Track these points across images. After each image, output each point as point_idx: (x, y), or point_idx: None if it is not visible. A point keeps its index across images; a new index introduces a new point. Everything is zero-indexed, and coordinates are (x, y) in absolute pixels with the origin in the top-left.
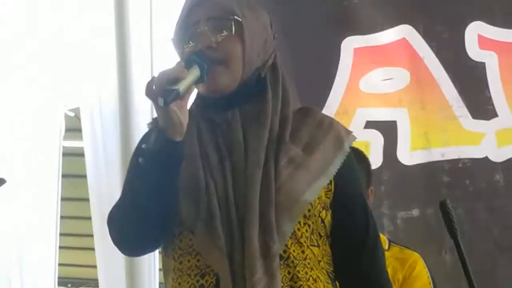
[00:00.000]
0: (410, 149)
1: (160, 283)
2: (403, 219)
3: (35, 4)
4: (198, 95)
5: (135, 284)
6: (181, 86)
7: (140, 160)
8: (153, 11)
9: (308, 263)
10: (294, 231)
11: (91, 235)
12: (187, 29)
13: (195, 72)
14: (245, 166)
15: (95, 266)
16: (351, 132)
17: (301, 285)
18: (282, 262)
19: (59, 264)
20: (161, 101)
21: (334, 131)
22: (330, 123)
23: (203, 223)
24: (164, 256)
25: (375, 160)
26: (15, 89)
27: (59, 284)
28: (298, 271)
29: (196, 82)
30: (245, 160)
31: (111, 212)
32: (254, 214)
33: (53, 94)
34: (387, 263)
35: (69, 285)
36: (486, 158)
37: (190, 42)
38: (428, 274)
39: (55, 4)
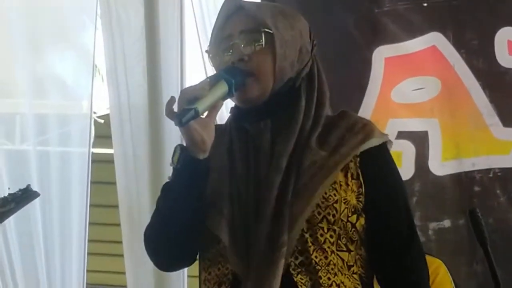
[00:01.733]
0: (442, 159)
1: None
2: (434, 230)
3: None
4: (235, 106)
5: None
6: (200, 105)
7: (168, 178)
8: (184, 16)
9: (332, 268)
10: (317, 237)
11: (120, 242)
12: (221, 42)
13: (221, 89)
14: (268, 172)
15: (124, 273)
16: (386, 134)
17: None
18: (303, 269)
19: (88, 271)
20: (177, 121)
21: (366, 131)
22: (364, 124)
23: (228, 233)
24: (200, 268)
25: (407, 170)
26: (45, 95)
27: None
28: (320, 277)
29: (224, 98)
30: (268, 166)
31: (145, 231)
32: (264, 219)
33: (83, 100)
34: None
35: None
36: None
37: (226, 53)
38: (451, 280)
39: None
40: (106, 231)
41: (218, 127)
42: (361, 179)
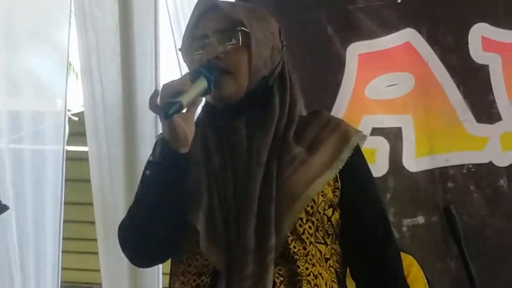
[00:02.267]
0: (415, 155)
1: (164, 287)
2: (408, 226)
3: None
4: (206, 103)
5: None
6: (184, 99)
7: (147, 172)
8: (158, 14)
9: (310, 259)
10: (296, 228)
11: (95, 239)
12: (194, 40)
13: (201, 84)
14: (248, 165)
15: (98, 271)
16: (360, 131)
17: (299, 280)
18: (281, 260)
19: (62, 268)
20: (162, 114)
21: (341, 129)
22: (338, 123)
23: (205, 224)
24: (174, 261)
25: (381, 167)
26: (19, 92)
27: None
28: (298, 266)
29: (203, 94)
30: (248, 160)
31: (120, 226)
32: (250, 211)
33: (57, 98)
34: None
35: None
36: (490, 163)
37: (199, 52)
38: (424, 277)
39: None
40: (80, 229)
41: None
42: (337, 174)
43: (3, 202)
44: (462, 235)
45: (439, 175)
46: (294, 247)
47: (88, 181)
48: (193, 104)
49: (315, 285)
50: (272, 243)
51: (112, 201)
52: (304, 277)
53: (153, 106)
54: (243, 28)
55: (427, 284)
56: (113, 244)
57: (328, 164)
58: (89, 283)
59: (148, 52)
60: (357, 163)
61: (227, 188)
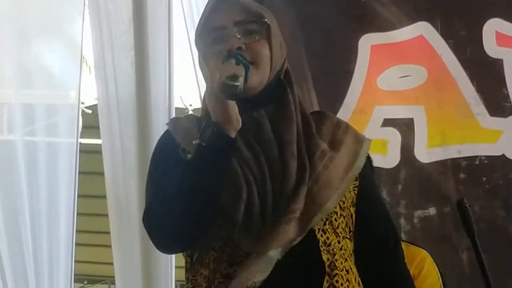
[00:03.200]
0: (427, 146)
1: (176, 281)
2: (420, 218)
3: None
4: None
5: (152, 282)
6: (240, 83)
7: (188, 156)
8: (172, 7)
9: (343, 253)
10: (332, 221)
11: (108, 232)
12: (212, 31)
13: (243, 73)
14: (280, 158)
15: (111, 264)
16: (368, 138)
17: (336, 274)
18: (325, 247)
19: (76, 261)
20: (227, 94)
21: (352, 132)
22: (347, 126)
23: (244, 215)
24: (203, 248)
25: (393, 158)
26: (32, 85)
27: (75, 281)
28: (336, 260)
29: (241, 83)
30: (279, 153)
31: (149, 211)
32: (283, 203)
33: (71, 91)
34: None
35: (85, 282)
36: (503, 156)
37: (218, 44)
38: (437, 270)
39: None
40: (93, 221)
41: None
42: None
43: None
44: (475, 228)
45: (451, 166)
46: (332, 240)
47: (102, 174)
48: None
49: (347, 280)
50: (299, 206)
51: (125, 194)
52: (339, 271)
53: (218, 85)
54: (265, 20)
55: (440, 278)
56: (126, 236)
57: (351, 163)
58: (102, 276)
59: (161, 46)
60: (368, 166)
61: (264, 181)
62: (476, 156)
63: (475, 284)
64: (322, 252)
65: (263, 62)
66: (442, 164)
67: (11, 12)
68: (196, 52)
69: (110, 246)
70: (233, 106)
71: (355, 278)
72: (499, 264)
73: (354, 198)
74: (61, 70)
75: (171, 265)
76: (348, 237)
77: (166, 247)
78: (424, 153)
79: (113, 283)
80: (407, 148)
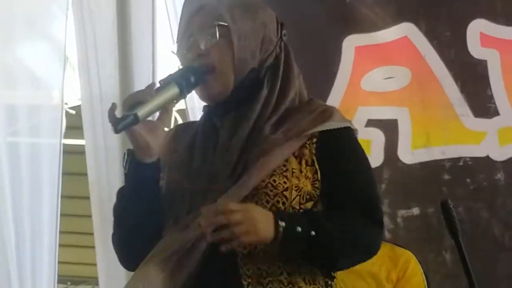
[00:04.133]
0: (411, 147)
1: None
2: (403, 217)
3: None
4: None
5: None
6: (141, 110)
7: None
8: (156, 7)
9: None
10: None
11: (91, 233)
12: (183, 41)
13: (170, 91)
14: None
15: (95, 264)
16: (348, 120)
17: (270, 281)
18: (251, 259)
19: (59, 262)
20: (113, 128)
21: (324, 115)
22: (325, 109)
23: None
24: None
25: (376, 158)
26: (15, 85)
27: (59, 282)
28: (269, 267)
29: (177, 100)
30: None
31: (112, 237)
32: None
33: (54, 91)
34: (379, 261)
35: (69, 283)
36: (487, 157)
37: (187, 52)
38: (422, 271)
39: None
40: (77, 222)
41: (191, 124)
42: (316, 165)
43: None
44: (459, 229)
45: (435, 167)
46: (265, 245)
47: (85, 174)
48: (165, 111)
49: (289, 282)
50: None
51: (109, 195)
52: (275, 278)
53: (109, 117)
54: (220, 22)
55: (425, 279)
56: (109, 238)
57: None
58: (86, 277)
59: (145, 45)
60: (340, 148)
61: (200, 195)
62: (460, 158)
63: (458, 283)
64: (245, 265)
65: (224, 65)
66: (426, 165)
67: None
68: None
69: (93, 247)
70: (139, 133)
71: (304, 278)
72: (483, 264)
73: (315, 193)
74: (45, 70)
75: None
76: None
77: (128, 269)
78: (408, 154)
79: (97, 284)
80: (390, 149)
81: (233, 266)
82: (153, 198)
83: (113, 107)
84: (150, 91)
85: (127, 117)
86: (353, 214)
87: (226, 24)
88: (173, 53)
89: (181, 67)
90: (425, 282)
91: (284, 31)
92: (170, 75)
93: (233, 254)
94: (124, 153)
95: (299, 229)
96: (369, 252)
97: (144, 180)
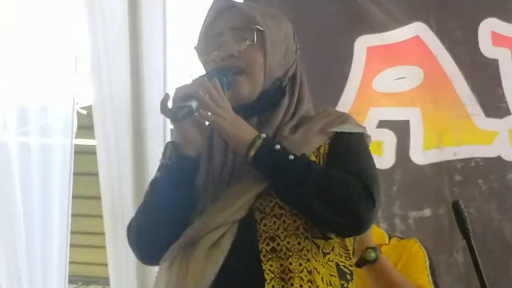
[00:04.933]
0: (423, 148)
1: None
2: (415, 219)
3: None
4: None
5: (146, 282)
6: (195, 103)
7: (157, 174)
8: (167, 8)
9: (305, 254)
10: (290, 223)
11: (102, 233)
12: (210, 39)
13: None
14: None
15: (106, 265)
16: (363, 127)
17: (291, 277)
18: (274, 255)
19: (70, 262)
20: (172, 117)
21: (340, 119)
22: (341, 114)
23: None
24: None
25: (388, 159)
26: (26, 85)
27: (69, 282)
28: (291, 263)
29: None
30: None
31: (129, 226)
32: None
33: (65, 91)
34: (385, 256)
35: (80, 283)
36: (499, 157)
37: (215, 51)
38: (425, 253)
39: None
40: (88, 222)
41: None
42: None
43: None
44: (470, 230)
45: (446, 168)
46: (288, 242)
47: (96, 174)
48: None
49: (309, 280)
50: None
51: (120, 195)
52: (296, 274)
53: (163, 109)
54: (258, 26)
55: (427, 261)
56: (120, 238)
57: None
58: (97, 277)
59: (157, 47)
60: (350, 150)
61: (221, 189)
62: (472, 158)
63: (470, 284)
64: (269, 261)
65: (256, 70)
66: (437, 165)
67: (6, 12)
68: (190, 53)
69: (104, 247)
70: (188, 126)
71: (322, 278)
72: (494, 266)
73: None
74: (56, 70)
75: None
76: (321, 236)
77: (143, 261)
78: (420, 155)
79: (108, 284)
80: (402, 150)
81: (256, 261)
82: (191, 192)
83: (166, 97)
84: (199, 84)
85: (182, 108)
86: (347, 175)
87: (262, 29)
88: (195, 49)
89: (202, 64)
90: (426, 263)
91: (298, 44)
92: (211, 71)
93: (256, 250)
94: (167, 144)
95: (278, 146)
96: (346, 210)
97: (186, 173)
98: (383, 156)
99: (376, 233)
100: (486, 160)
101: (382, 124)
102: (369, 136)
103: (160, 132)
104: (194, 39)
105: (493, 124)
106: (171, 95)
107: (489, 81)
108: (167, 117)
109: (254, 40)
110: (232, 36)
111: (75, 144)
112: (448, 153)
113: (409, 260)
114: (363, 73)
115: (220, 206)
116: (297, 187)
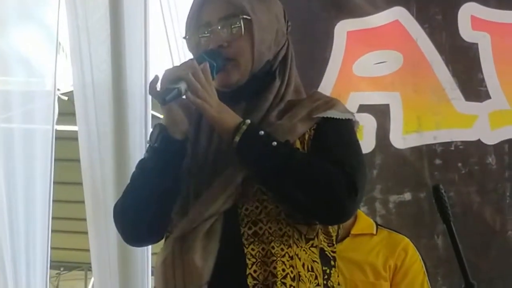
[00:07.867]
0: (403, 132)
1: (153, 267)
2: (395, 203)
3: None
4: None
5: (128, 268)
6: (183, 85)
7: (145, 154)
8: None
9: (286, 240)
10: (272, 208)
11: (84, 219)
12: (199, 28)
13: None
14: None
15: (87, 250)
16: (351, 112)
17: (274, 261)
18: (257, 239)
19: (52, 248)
20: (160, 100)
21: (327, 104)
22: (329, 99)
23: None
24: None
25: (368, 144)
26: (8, 71)
27: (51, 268)
28: (273, 247)
29: None
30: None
31: (116, 206)
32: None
33: (47, 77)
34: (376, 249)
35: (62, 269)
36: (478, 141)
37: (204, 39)
38: (420, 258)
39: None
40: (70, 208)
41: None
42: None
43: None
44: (451, 213)
45: (426, 152)
46: (270, 227)
47: (78, 160)
48: None
49: (291, 265)
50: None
51: (102, 180)
52: (279, 258)
53: (152, 90)
54: (244, 16)
55: (424, 266)
56: (102, 223)
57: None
58: (79, 263)
59: (138, 32)
60: (336, 136)
61: (205, 172)
62: (452, 142)
63: (450, 268)
64: (250, 244)
65: (244, 58)
66: (417, 149)
67: None
68: (171, 37)
69: (86, 233)
70: (176, 108)
71: (303, 264)
72: (475, 249)
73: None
74: (37, 56)
75: (147, 252)
76: (303, 221)
77: (127, 241)
78: (400, 139)
79: (90, 270)
80: (382, 134)
81: (239, 245)
82: (177, 175)
83: (155, 79)
84: (188, 67)
85: (171, 90)
86: (329, 163)
87: (249, 17)
88: (184, 38)
89: (191, 53)
90: (424, 269)
91: (289, 22)
92: (201, 55)
93: (238, 233)
94: (155, 126)
95: (261, 132)
96: (326, 199)
97: (173, 155)
98: (363, 140)
99: (363, 222)
100: (466, 143)
101: (362, 108)
102: (357, 122)
103: (141, 118)
104: (176, 26)
105: (473, 108)
106: (160, 77)
107: (469, 65)
108: (155, 99)
109: (242, 29)
110: (221, 26)
111: (56, 130)
112: (428, 137)
113: (408, 268)
114: (344, 57)
115: (211, 193)
116: (278, 175)
